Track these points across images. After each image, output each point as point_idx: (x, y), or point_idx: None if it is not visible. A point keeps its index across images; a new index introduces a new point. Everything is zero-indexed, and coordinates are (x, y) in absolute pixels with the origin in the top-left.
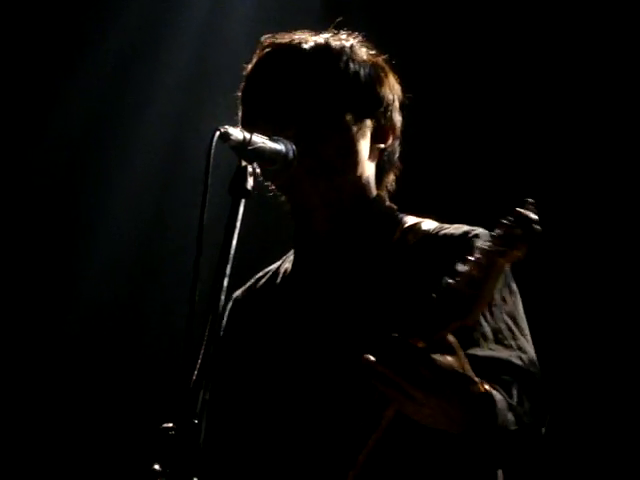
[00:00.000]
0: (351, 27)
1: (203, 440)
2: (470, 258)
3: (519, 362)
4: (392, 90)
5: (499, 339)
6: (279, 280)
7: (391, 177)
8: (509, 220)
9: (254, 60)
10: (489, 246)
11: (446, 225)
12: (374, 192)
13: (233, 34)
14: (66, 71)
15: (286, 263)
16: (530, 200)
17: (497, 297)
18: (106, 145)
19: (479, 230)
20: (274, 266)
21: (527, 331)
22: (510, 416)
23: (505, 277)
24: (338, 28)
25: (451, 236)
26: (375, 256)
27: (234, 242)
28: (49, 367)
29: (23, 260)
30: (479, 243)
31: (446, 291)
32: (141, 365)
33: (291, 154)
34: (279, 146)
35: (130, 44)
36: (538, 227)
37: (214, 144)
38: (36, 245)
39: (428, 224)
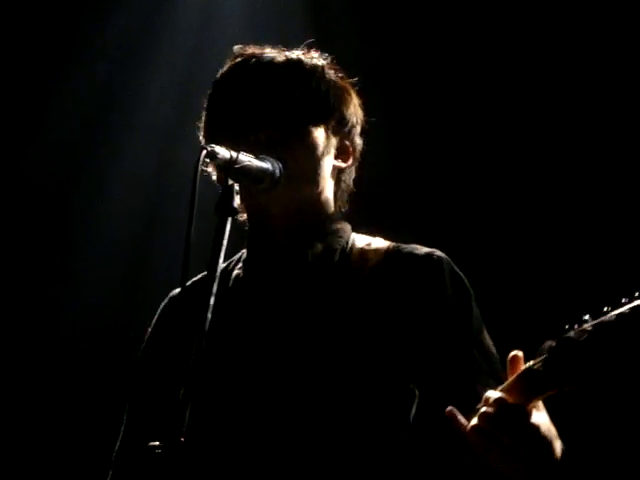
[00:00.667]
0: (336, 31)
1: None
2: (588, 328)
3: None
4: (356, 114)
5: (493, 371)
6: (230, 284)
7: (345, 196)
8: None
9: (224, 68)
10: (616, 322)
11: (402, 245)
12: (332, 208)
13: (224, 46)
14: (58, 79)
15: (237, 266)
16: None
17: (476, 325)
18: (97, 154)
19: (439, 253)
20: (223, 266)
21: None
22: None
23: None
24: (310, 47)
25: (415, 256)
26: (331, 273)
27: (221, 260)
28: (41, 370)
29: (15, 264)
30: (605, 317)
31: (563, 353)
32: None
33: (277, 172)
34: (265, 164)
35: (122, 52)
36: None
37: (201, 162)
38: (27, 254)
39: (382, 242)
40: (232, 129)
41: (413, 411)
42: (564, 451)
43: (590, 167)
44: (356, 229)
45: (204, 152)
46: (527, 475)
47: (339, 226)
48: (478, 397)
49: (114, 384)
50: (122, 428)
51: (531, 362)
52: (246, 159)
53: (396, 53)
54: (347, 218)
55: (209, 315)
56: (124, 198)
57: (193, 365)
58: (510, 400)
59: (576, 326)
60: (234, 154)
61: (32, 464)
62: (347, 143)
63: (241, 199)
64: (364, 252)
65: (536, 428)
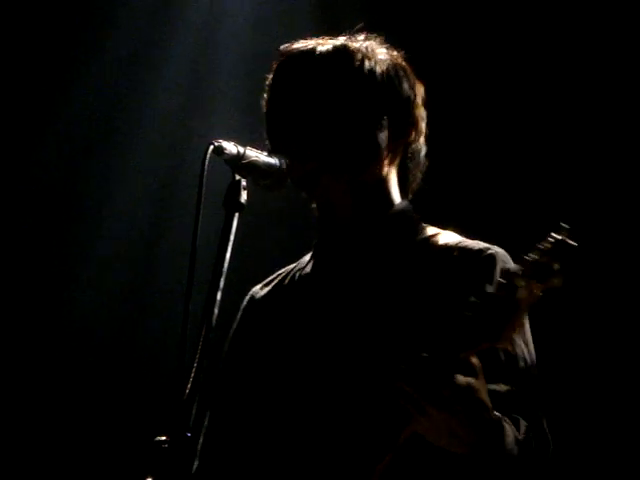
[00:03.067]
0: (344, 27)
1: (209, 440)
2: (502, 281)
3: (529, 400)
4: (412, 87)
5: (517, 372)
6: (297, 277)
7: (417, 175)
8: (545, 247)
9: (274, 69)
10: (523, 271)
11: (466, 240)
12: (396, 190)
13: (230, 44)
14: (65, 80)
15: (305, 261)
16: (565, 226)
17: None
18: (103, 154)
19: (496, 249)
20: (293, 265)
21: (534, 357)
22: (516, 450)
23: None
24: (357, 32)
25: (469, 250)
26: (395, 260)
27: (228, 255)
28: (45, 371)
29: (21, 265)
30: (512, 266)
31: (479, 310)
32: (135, 378)
33: (285, 167)
34: (272, 160)
35: (129, 52)
36: (576, 256)
37: (208, 158)
38: (33, 254)
39: (448, 236)
40: (285, 131)
41: None
42: (498, 418)
43: (590, 167)
44: (431, 221)
45: (211, 147)
46: (457, 442)
47: (405, 215)
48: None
49: (112, 398)
50: (206, 423)
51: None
52: (253, 154)
53: (404, 48)
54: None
55: (216, 310)
56: (131, 196)
57: (200, 359)
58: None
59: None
60: (241, 149)
61: (34, 465)
62: (403, 118)
63: (307, 193)
64: (427, 243)
65: (458, 389)
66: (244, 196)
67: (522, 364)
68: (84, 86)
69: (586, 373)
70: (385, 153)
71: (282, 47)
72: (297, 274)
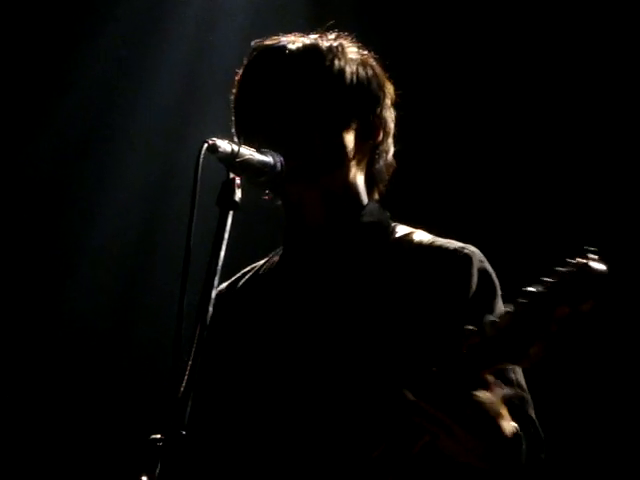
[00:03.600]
0: (340, 28)
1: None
2: (522, 301)
3: (525, 406)
4: (381, 87)
5: (508, 377)
6: (265, 273)
7: (384, 176)
8: (572, 271)
9: (244, 65)
10: (545, 292)
11: (439, 239)
12: (363, 192)
13: (223, 45)
14: (60, 79)
15: (274, 258)
16: (592, 249)
17: None
18: (97, 153)
19: (471, 248)
20: (260, 262)
21: None
22: (525, 449)
23: (500, 298)
24: (328, 30)
25: (445, 250)
26: (366, 259)
27: (222, 254)
28: (35, 373)
29: (15, 264)
30: (535, 288)
31: (501, 330)
32: (130, 376)
33: (279, 166)
34: (267, 158)
35: (125, 51)
36: (606, 283)
37: (202, 156)
38: (28, 252)
39: (421, 235)
40: (249, 125)
41: None
42: (517, 430)
43: (591, 168)
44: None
45: (205, 145)
46: (476, 458)
47: (376, 216)
48: None
49: (106, 397)
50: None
51: (477, 338)
52: (247, 152)
53: (398, 50)
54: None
55: (210, 308)
56: (126, 195)
57: (195, 358)
58: (454, 377)
59: (514, 300)
60: (235, 147)
61: (28, 463)
62: (372, 119)
63: (271, 191)
64: (400, 243)
65: (479, 407)
66: (238, 194)
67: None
68: (79, 85)
69: (586, 373)
70: (352, 154)
71: (254, 42)
72: (266, 271)
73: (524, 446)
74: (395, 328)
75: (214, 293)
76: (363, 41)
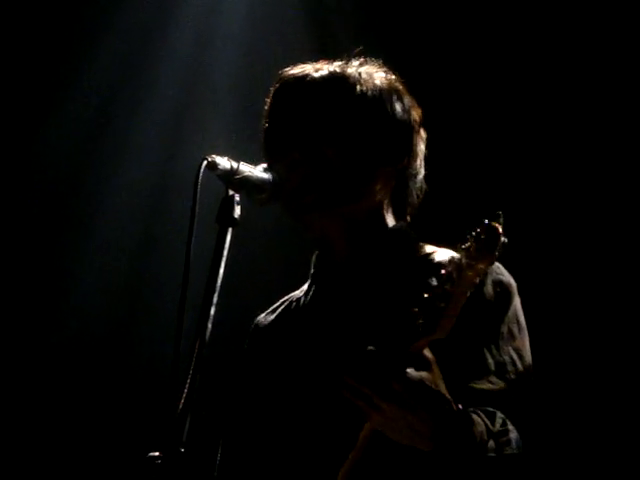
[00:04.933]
0: (337, 31)
1: (224, 468)
2: (442, 272)
3: (512, 395)
4: (406, 110)
5: (501, 372)
6: (300, 306)
7: (414, 199)
8: (476, 233)
9: (271, 95)
10: (458, 259)
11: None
12: (390, 216)
13: (222, 58)
14: (59, 87)
15: (305, 290)
16: (499, 212)
17: (505, 330)
18: (95, 165)
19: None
20: (297, 292)
21: (530, 362)
22: (491, 443)
23: (515, 311)
24: (359, 55)
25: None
26: (392, 285)
27: (221, 271)
28: (37, 373)
29: (14, 267)
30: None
31: (421, 305)
32: (128, 393)
33: (278, 182)
34: (266, 175)
35: (121, 64)
36: (503, 239)
37: (201, 173)
38: (26, 255)
39: (443, 254)
40: (272, 149)
41: None
42: (456, 406)
43: (590, 168)
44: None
45: (204, 162)
46: (417, 437)
47: (400, 237)
48: (470, 392)
49: (111, 402)
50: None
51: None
52: (247, 169)
53: (397, 53)
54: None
55: (209, 325)
56: (124, 211)
57: (192, 376)
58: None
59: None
60: (234, 165)
61: (32, 466)
62: (396, 144)
63: (302, 224)
64: (426, 263)
65: (410, 383)
66: (237, 211)
67: (510, 368)
68: (78, 93)
69: (586, 373)
70: (377, 181)
71: (280, 72)
72: (299, 303)
73: (479, 430)
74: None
75: (213, 310)
76: (361, 44)
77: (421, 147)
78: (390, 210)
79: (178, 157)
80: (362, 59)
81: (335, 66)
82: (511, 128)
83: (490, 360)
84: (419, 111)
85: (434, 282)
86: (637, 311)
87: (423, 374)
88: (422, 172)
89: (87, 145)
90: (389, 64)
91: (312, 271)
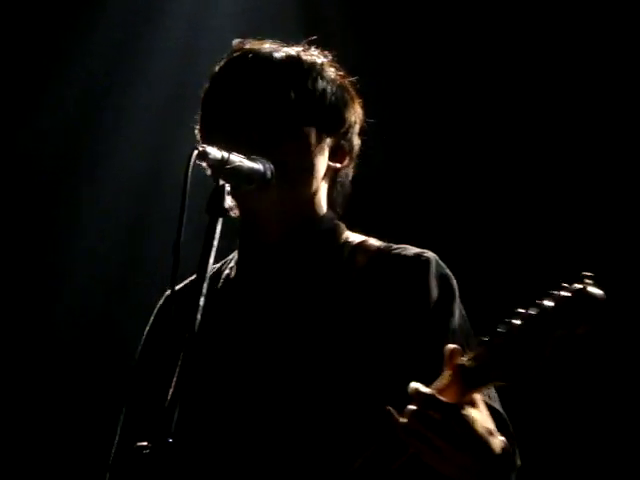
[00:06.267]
0: (330, 30)
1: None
2: (517, 322)
3: (503, 413)
4: (355, 113)
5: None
6: (220, 285)
7: (340, 198)
8: (567, 295)
9: (222, 62)
10: (542, 316)
11: (393, 245)
12: (324, 208)
13: (215, 47)
14: (52, 76)
15: (229, 266)
16: (588, 274)
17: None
18: (86, 158)
19: (429, 253)
20: (215, 266)
21: None
22: (518, 461)
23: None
24: (311, 44)
25: (403, 257)
26: (322, 272)
27: (211, 260)
28: (30, 370)
29: (6, 261)
30: (532, 311)
31: (493, 349)
32: (117, 383)
33: (269, 173)
34: (257, 165)
35: (115, 54)
36: (604, 308)
37: (192, 163)
38: (18, 250)
39: (374, 242)
40: (226, 128)
41: None
42: (505, 445)
43: (590, 168)
44: (352, 228)
45: (195, 152)
46: (466, 474)
47: (331, 225)
48: None
49: (100, 391)
50: (119, 431)
51: (464, 357)
52: (237, 159)
53: (391, 52)
54: (344, 217)
55: (199, 316)
56: (109, 212)
57: (182, 367)
58: (442, 396)
59: (507, 320)
60: (225, 154)
61: (31, 465)
62: (343, 143)
63: (234, 199)
64: (356, 251)
65: (469, 426)
66: (228, 201)
67: None
68: (70, 83)
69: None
70: (320, 174)
71: (235, 42)
72: (219, 283)
73: (515, 459)
74: (356, 337)
75: (202, 300)
76: (354, 42)
77: (357, 151)
78: (324, 201)
79: (169, 147)
80: (319, 50)
81: (295, 51)
82: (510, 128)
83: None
84: (362, 114)
85: (503, 329)
86: (637, 311)
87: (478, 415)
88: (351, 176)
89: (78, 134)
90: (384, 61)
91: (237, 254)
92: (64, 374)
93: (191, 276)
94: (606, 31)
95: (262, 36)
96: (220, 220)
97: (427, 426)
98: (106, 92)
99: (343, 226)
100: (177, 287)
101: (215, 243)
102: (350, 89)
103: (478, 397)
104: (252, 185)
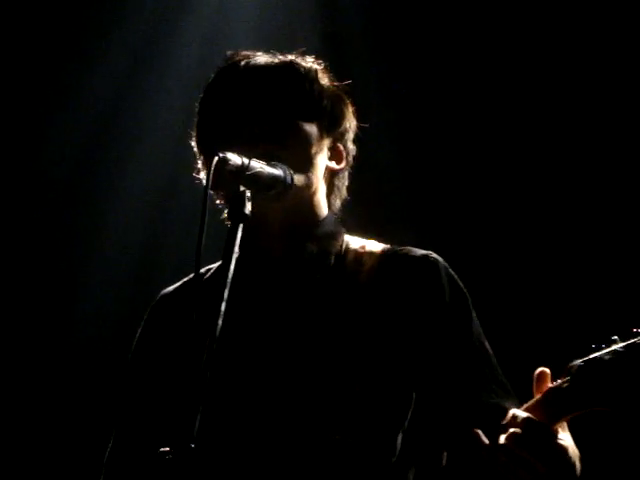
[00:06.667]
0: (345, 33)
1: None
2: (622, 351)
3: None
4: (349, 119)
5: (505, 388)
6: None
7: (338, 202)
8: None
9: (216, 71)
10: None
11: (397, 247)
12: (325, 210)
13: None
14: (70, 84)
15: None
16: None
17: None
18: (105, 165)
19: (434, 255)
20: (213, 266)
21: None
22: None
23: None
24: (303, 54)
25: (412, 257)
26: (329, 276)
27: (232, 266)
28: (44, 373)
29: (21, 267)
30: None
31: (592, 374)
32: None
33: (289, 179)
34: (277, 171)
35: (133, 56)
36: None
37: (213, 169)
38: (35, 256)
39: (376, 244)
40: (227, 125)
41: (409, 416)
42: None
43: (591, 168)
44: (351, 232)
45: (216, 159)
46: None
47: (333, 229)
48: (484, 406)
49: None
50: (113, 432)
51: (558, 381)
52: (258, 165)
53: (405, 56)
54: (343, 220)
55: (220, 322)
56: (133, 208)
57: (204, 372)
58: (536, 420)
59: (604, 346)
60: (246, 160)
61: (35, 466)
62: (340, 146)
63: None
64: (359, 255)
65: (564, 449)
66: (248, 207)
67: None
68: (87, 92)
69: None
70: (320, 172)
71: (229, 53)
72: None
73: None
74: (371, 340)
75: (224, 306)
76: (368, 47)
77: (352, 157)
78: (325, 203)
79: (189, 154)
80: (312, 58)
81: (289, 58)
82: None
83: (483, 366)
84: (355, 122)
85: (602, 356)
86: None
87: (568, 439)
88: (347, 182)
89: (97, 142)
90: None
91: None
92: (80, 375)
93: (185, 277)
94: (609, 31)
95: (278, 41)
96: (241, 226)
97: (524, 446)
98: (125, 99)
99: (343, 229)
100: (172, 288)
101: (236, 249)
102: (344, 96)
103: (565, 423)
104: (273, 191)
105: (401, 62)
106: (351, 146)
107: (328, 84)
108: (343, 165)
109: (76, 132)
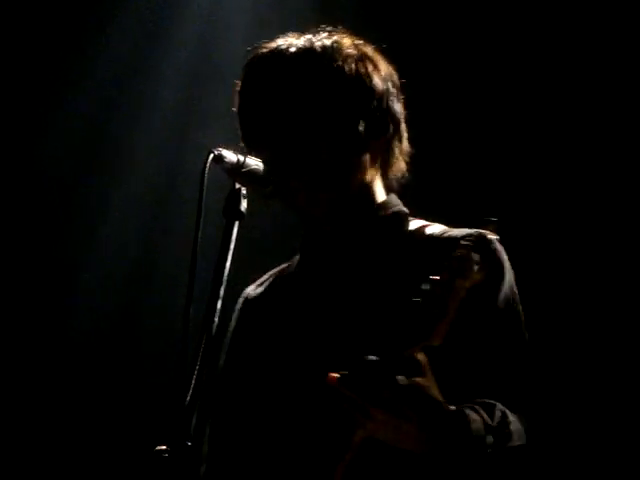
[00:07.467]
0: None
1: (214, 444)
2: (433, 277)
3: (513, 385)
4: (383, 78)
5: (503, 361)
6: (288, 279)
7: (401, 165)
8: (469, 241)
9: (242, 74)
10: (449, 266)
11: (452, 229)
12: (380, 188)
13: (228, 47)
14: (65, 82)
15: (296, 261)
16: (493, 219)
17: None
18: (101, 162)
19: (491, 234)
20: (285, 264)
21: (528, 345)
22: (490, 438)
23: (513, 291)
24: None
25: (454, 239)
26: (380, 261)
27: (228, 264)
28: (43, 373)
29: (19, 265)
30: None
31: (413, 310)
32: (135, 387)
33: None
34: None
35: (129, 52)
36: (498, 249)
37: (208, 166)
38: (32, 254)
39: (434, 228)
40: (255, 146)
41: None
42: (459, 412)
43: (592, 168)
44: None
45: (211, 156)
46: (409, 442)
47: (395, 211)
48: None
49: (118, 395)
50: (207, 437)
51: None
52: (253, 163)
53: (403, 50)
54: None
55: (216, 319)
56: (130, 204)
57: (200, 368)
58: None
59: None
60: (241, 158)
61: (36, 466)
62: (379, 114)
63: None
64: (417, 237)
65: (396, 385)
66: (244, 204)
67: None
68: (84, 90)
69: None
70: (364, 157)
71: (250, 48)
72: (288, 276)
73: (475, 428)
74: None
75: (219, 304)
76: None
77: (401, 110)
78: (379, 184)
79: (185, 150)
80: (329, 30)
81: (304, 40)
82: (509, 125)
83: (493, 350)
84: (395, 75)
85: (426, 286)
86: (637, 311)
87: (415, 379)
88: (405, 135)
89: (94, 138)
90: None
91: (300, 242)
92: (81, 375)
93: (264, 275)
94: (609, 31)
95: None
96: (237, 223)
97: (354, 390)
98: (122, 95)
99: (405, 212)
100: (250, 289)
101: (232, 247)
102: (372, 56)
103: (423, 362)
104: (269, 188)
105: (401, 62)
106: (395, 105)
107: (350, 53)
108: (390, 132)
109: (76, 132)
